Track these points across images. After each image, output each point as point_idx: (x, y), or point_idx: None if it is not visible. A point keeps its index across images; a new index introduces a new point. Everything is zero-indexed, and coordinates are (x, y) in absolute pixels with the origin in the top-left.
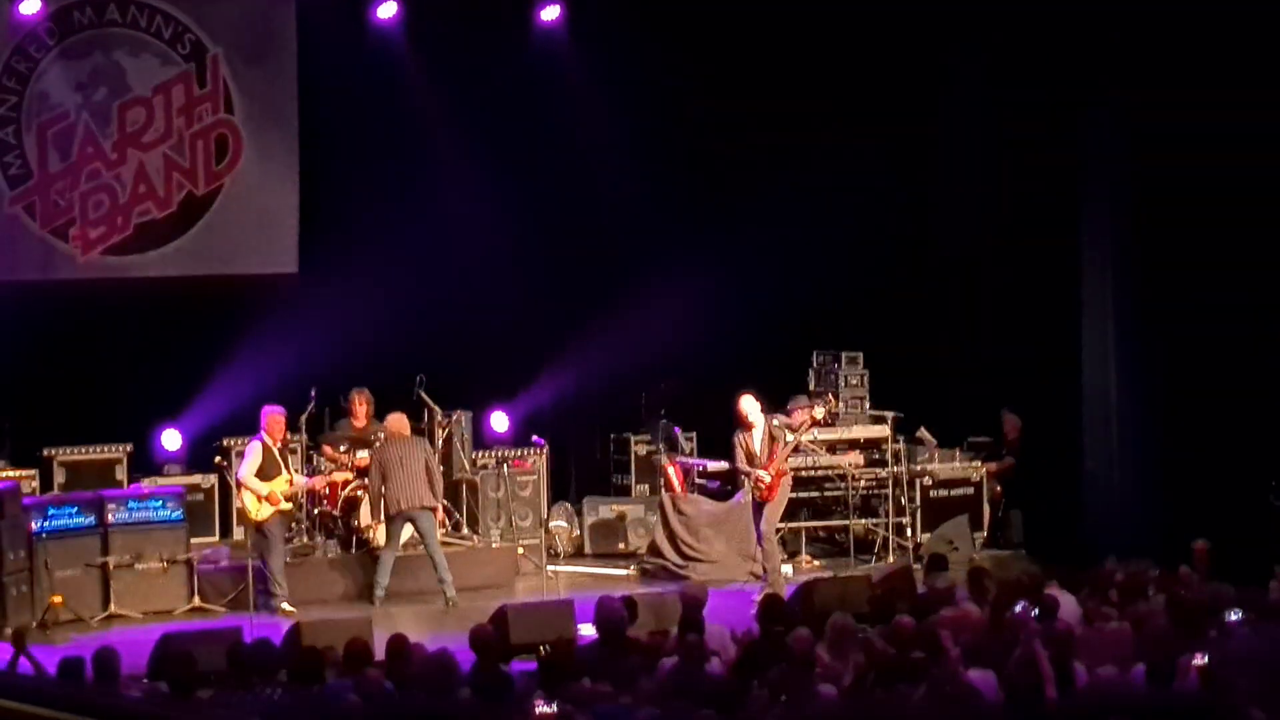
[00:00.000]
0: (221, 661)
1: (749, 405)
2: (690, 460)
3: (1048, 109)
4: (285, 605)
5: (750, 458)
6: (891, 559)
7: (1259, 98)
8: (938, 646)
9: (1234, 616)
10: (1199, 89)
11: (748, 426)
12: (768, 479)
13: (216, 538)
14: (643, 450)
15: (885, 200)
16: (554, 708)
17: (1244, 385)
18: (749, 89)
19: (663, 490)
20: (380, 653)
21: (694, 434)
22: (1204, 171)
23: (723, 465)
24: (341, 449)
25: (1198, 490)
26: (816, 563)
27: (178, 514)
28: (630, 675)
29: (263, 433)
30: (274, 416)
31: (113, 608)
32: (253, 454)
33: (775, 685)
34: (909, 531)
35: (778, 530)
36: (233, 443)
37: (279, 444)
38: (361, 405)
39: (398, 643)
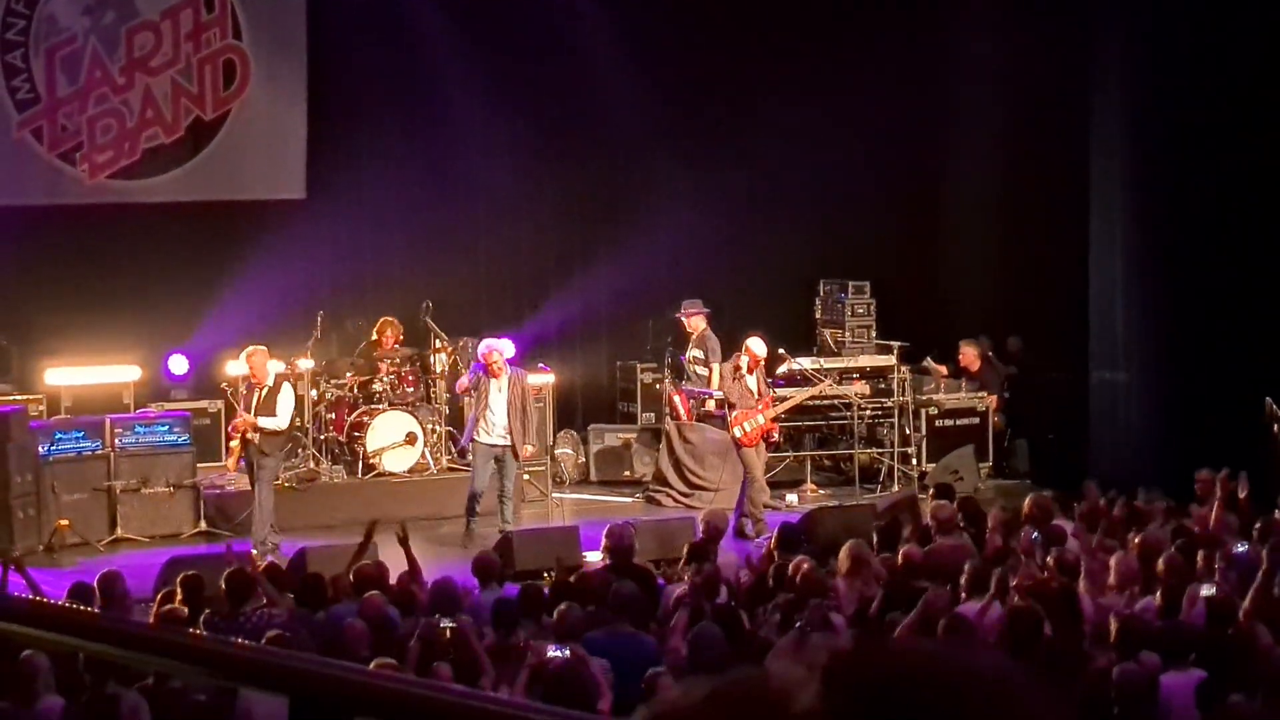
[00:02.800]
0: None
1: (759, 347)
2: (696, 389)
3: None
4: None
5: (747, 396)
6: (896, 488)
7: None
8: (944, 576)
9: (1240, 548)
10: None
11: (754, 366)
12: (755, 425)
13: (223, 462)
14: (649, 378)
15: (894, 127)
16: (565, 652)
17: (1252, 316)
18: (761, 11)
19: (669, 418)
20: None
21: None
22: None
23: None
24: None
25: (1205, 419)
26: (821, 492)
27: (184, 439)
28: (636, 602)
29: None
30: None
31: (119, 531)
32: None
33: (785, 613)
34: (914, 461)
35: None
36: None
37: (258, 382)
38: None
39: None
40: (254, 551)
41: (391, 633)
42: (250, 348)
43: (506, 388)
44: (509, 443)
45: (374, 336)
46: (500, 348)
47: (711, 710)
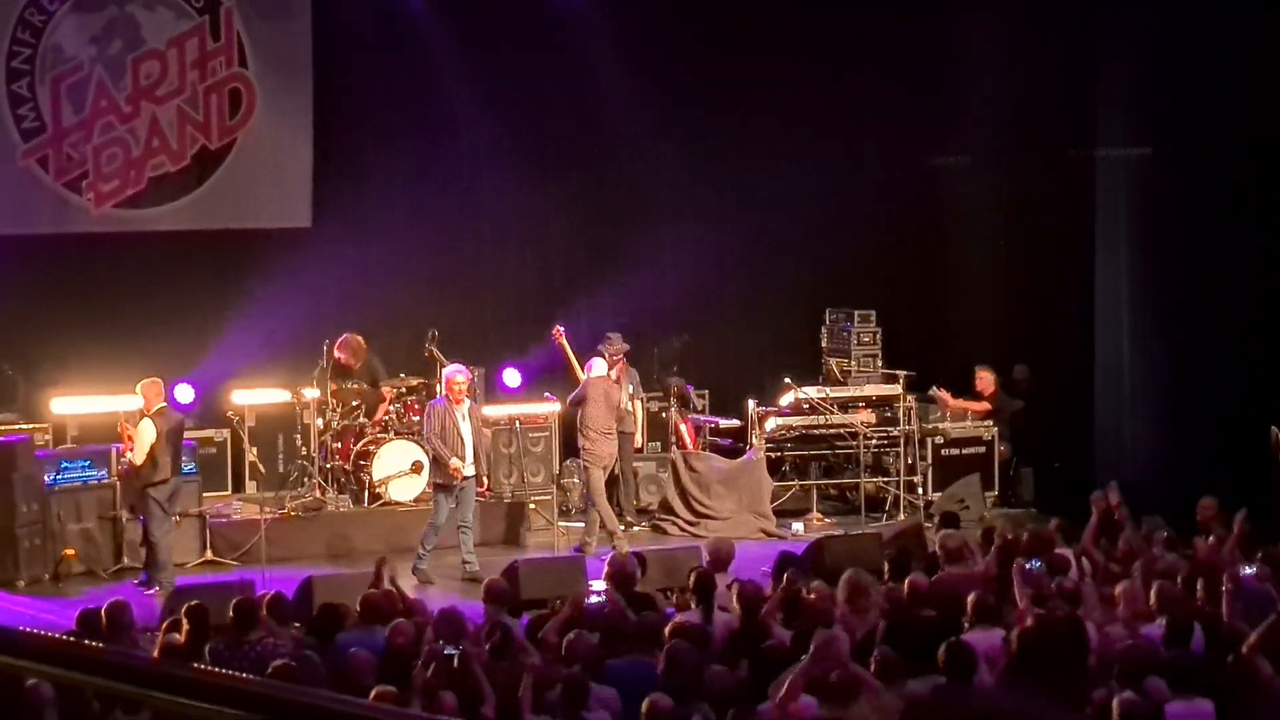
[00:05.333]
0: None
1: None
2: (702, 417)
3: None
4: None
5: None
6: (902, 517)
7: None
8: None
9: (1247, 570)
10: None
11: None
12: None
13: (229, 491)
14: (655, 407)
15: (900, 156)
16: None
17: (1260, 347)
18: (768, 37)
19: (675, 447)
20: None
21: (706, 391)
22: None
23: (735, 423)
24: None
25: (1209, 447)
26: (827, 520)
27: (190, 468)
28: (640, 630)
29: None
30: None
31: (125, 560)
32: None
33: (793, 639)
34: (920, 490)
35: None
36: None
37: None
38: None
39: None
40: (153, 590)
41: (408, 661)
42: (145, 379)
43: (468, 415)
44: (474, 472)
45: (335, 356)
46: (465, 370)
47: None
